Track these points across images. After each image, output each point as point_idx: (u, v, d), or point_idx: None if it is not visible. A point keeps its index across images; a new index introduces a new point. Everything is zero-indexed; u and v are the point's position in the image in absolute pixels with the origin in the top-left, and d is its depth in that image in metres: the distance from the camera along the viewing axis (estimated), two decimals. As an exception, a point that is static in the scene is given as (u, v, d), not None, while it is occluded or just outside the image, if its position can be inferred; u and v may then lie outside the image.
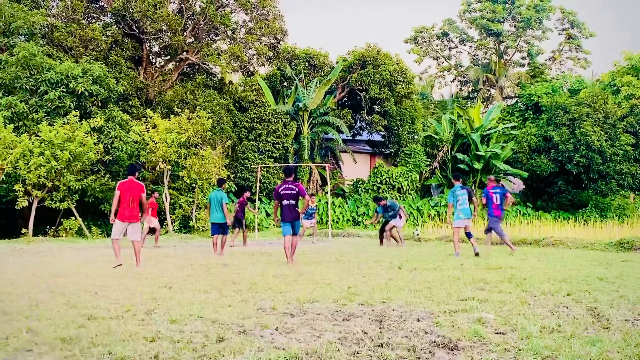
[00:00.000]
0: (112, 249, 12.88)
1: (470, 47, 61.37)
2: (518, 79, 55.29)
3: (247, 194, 22.33)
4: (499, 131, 43.09)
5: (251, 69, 37.90)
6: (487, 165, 41.08)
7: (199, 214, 28.13)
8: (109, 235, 26.91)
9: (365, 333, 5.89)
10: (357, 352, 5.17)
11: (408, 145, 39.49)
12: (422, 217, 36.62)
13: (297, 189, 13.51)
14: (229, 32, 35.37)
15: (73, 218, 25.45)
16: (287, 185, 13.55)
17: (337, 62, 39.96)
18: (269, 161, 33.05)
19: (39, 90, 25.68)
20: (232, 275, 10.77)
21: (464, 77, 61.31)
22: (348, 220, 35.12)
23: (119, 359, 4.91)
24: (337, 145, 38.45)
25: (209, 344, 5.39)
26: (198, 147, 28.22)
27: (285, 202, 13.45)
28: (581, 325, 6.34)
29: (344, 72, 38.89)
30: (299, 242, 15.23)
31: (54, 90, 25.41)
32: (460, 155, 40.90)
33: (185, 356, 4.98)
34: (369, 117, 39.38)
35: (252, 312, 7.05)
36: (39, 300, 7.85)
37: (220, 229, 17.20)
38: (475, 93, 59.07)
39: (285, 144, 34.17)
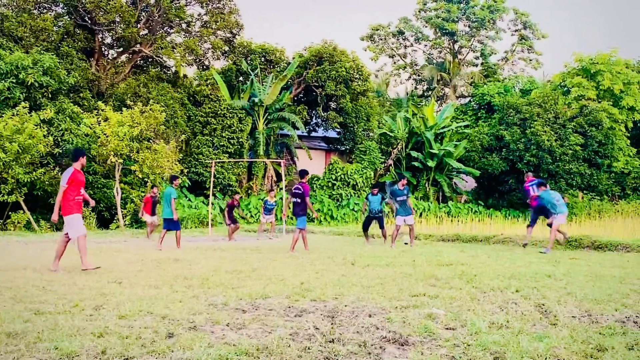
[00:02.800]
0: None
1: (426, 45, 61.83)
2: (471, 78, 55.98)
3: (237, 196, 22.93)
4: (453, 130, 43.59)
5: (206, 62, 37.64)
6: (440, 163, 41.53)
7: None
8: (58, 229, 26.45)
9: (316, 329, 5.88)
10: (308, 348, 5.16)
11: (363, 142, 39.65)
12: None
13: (302, 190, 15.75)
14: (184, 25, 35.07)
15: (21, 211, 24.95)
16: (296, 186, 15.96)
17: (293, 58, 39.87)
18: (224, 156, 32.84)
19: (-13, 81, 25.12)
20: (183, 271, 10.68)
21: (418, 75, 61.77)
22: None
23: (65, 354, 4.81)
24: (293, 142, 38.39)
25: (159, 339, 5.32)
26: (151, 141, 27.90)
27: (293, 199, 15.93)
28: (529, 321, 6.42)
29: (300, 68, 38.83)
30: (296, 234, 16.19)
31: (3, 81, 24.87)
32: (414, 153, 41.25)
33: (134, 352, 4.91)
34: (325, 113, 39.40)
35: (203, 307, 6.99)
36: (-17, 295, 7.68)
37: (168, 224, 17.18)
38: (430, 92, 59.57)
39: (240, 139, 33.99)
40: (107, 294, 7.85)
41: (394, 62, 63.12)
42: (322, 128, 41.69)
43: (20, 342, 5.15)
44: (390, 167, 42.46)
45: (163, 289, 8.44)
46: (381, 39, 61.29)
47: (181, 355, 4.84)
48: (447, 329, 6.01)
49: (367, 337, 5.56)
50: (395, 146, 42.72)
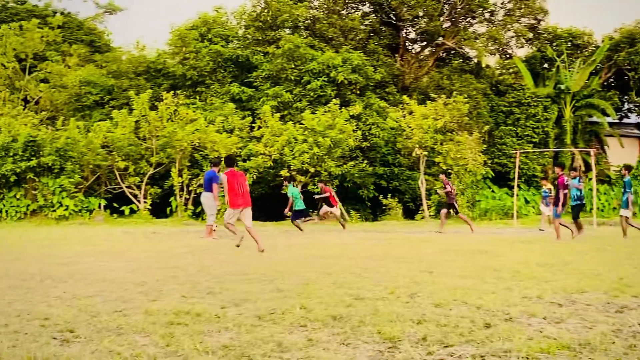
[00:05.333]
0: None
1: None
2: None
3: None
4: None
5: (509, 51, 36.95)
6: None
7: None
8: (366, 219, 27.78)
9: (642, 327, 5.47)
10: (634, 346, 4.81)
11: (685, 128, 36.23)
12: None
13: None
14: (487, 15, 34.74)
15: (334, 203, 26.64)
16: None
17: (602, 41, 37.53)
18: (528, 146, 32.02)
19: (302, 80, 27.16)
20: (492, 262, 10.59)
21: None
22: (614, 208, 32.94)
23: (388, 338, 4.99)
24: (602, 129, 36.23)
25: (476, 329, 5.31)
26: (454, 132, 28.09)
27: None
28: None
29: (611, 51, 36.36)
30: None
31: (316, 80, 26.71)
32: None
33: (453, 340, 4.95)
34: (639, 98, 36.61)
35: (517, 300, 6.85)
36: (308, 279, 8.29)
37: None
38: None
39: (546, 129, 32.90)
40: (420, 283, 8.04)
41: None
42: (636, 114, 38.77)
43: (346, 325, 5.47)
44: None
45: (473, 279, 8.43)
46: None
47: (500, 345, 4.78)
48: None
49: None
50: None
